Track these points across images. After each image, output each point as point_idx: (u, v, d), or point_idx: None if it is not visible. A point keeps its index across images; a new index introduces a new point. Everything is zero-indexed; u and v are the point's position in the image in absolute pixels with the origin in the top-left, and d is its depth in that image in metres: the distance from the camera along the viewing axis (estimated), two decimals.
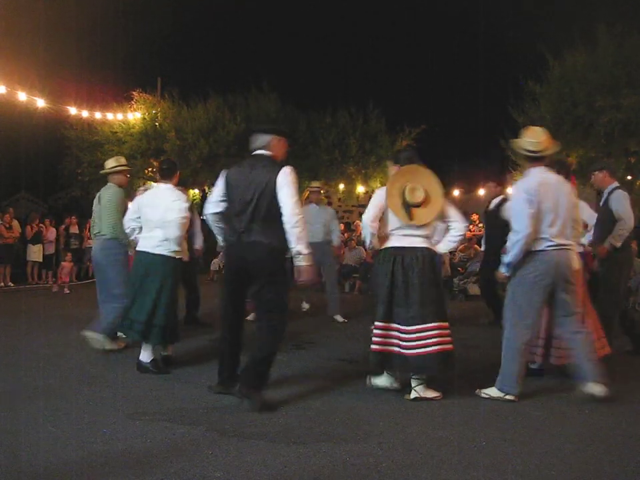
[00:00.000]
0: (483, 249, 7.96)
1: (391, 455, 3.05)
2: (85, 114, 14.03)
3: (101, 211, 5.72)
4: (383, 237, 4.30)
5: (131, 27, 16.29)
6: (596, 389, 4.00)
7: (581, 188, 8.86)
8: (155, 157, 15.17)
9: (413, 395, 4.04)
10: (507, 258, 4.17)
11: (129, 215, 5.15)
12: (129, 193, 6.15)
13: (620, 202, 5.38)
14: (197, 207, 9.70)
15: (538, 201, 4.03)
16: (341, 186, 15.35)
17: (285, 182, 3.87)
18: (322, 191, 8.06)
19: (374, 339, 4.14)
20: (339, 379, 4.59)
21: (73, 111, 13.55)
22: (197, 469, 2.83)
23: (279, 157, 4.10)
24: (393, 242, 4.23)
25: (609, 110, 10.82)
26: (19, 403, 3.83)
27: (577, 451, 3.16)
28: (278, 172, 3.89)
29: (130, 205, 5.50)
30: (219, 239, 4.33)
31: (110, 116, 14.79)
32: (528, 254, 4.10)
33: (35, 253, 12.96)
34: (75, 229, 13.78)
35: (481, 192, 17.22)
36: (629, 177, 11.48)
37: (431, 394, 4.07)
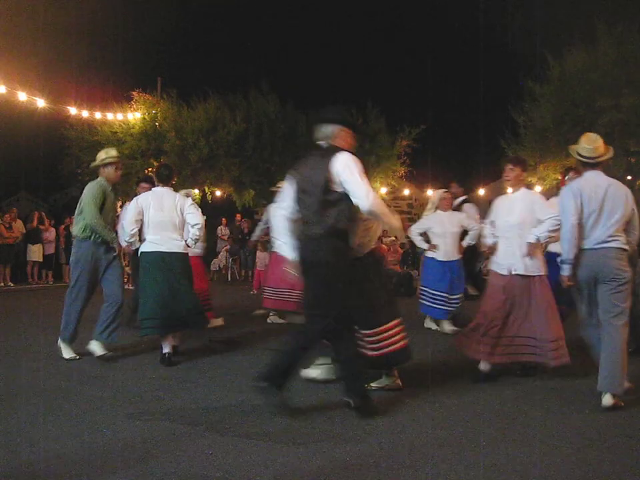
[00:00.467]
0: None
1: (391, 455, 3.05)
2: (85, 114, 14.04)
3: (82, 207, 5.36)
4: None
5: (131, 27, 16.32)
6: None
7: None
8: (155, 157, 15.17)
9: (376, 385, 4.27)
10: (561, 257, 4.32)
11: (132, 217, 5.21)
12: (116, 190, 5.75)
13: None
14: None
15: (582, 202, 4.22)
16: None
17: (344, 169, 3.64)
18: None
19: (400, 335, 4.20)
20: (338, 379, 4.59)
21: (73, 110, 13.56)
22: (197, 469, 2.83)
23: (344, 148, 3.86)
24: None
25: (608, 110, 10.83)
26: (19, 403, 3.83)
27: (577, 450, 3.15)
28: (334, 159, 3.67)
29: (128, 205, 5.57)
30: (279, 242, 4.26)
31: (110, 116, 14.80)
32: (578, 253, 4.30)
33: (35, 253, 12.96)
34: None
35: (481, 192, 17.25)
36: (629, 177, 11.48)
37: (391, 383, 4.28)
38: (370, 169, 15.41)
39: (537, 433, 3.42)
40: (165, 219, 5.19)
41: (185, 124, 14.68)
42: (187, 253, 5.35)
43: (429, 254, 6.82)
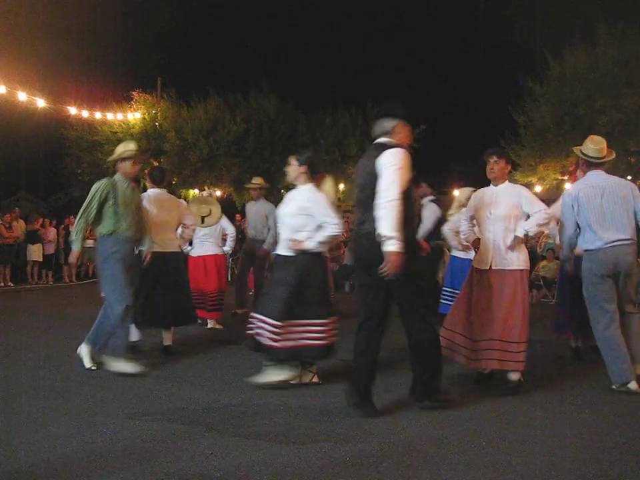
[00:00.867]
0: None
1: (391, 455, 3.05)
2: (85, 114, 14.04)
3: None
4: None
5: (131, 27, 16.32)
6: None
7: None
8: (155, 157, 15.16)
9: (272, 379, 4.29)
10: (562, 255, 4.76)
11: None
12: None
13: None
14: None
15: (580, 203, 4.46)
16: (341, 186, 15.34)
17: (385, 162, 3.59)
18: (261, 188, 7.86)
19: (321, 334, 4.32)
20: (338, 379, 4.59)
21: (73, 110, 13.56)
22: (197, 469, 2.83)
23: (403, 143, 3.82)
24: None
25: (608, 110, 10.83)
26: (19, 403, 3.83)
27: (576, 451, 3.15)
28: (382, 155, 3.62)
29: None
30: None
31: (110, 116, 14.81)
32: (584, 253, 4.53)
33: (35, 253, 12.96)
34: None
35: None
36: (629, 177, 11.48)
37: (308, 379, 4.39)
38: None
39: (537, 432, 3.42)
40: (162, 219, 5.31)
41: (185, 124, 14.69)
42: (180, 252, 5.45)
43: (457, 254, 6.70)
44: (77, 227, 4.78)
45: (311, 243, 4.26)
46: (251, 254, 7.83)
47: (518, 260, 4.29)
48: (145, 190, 5.92)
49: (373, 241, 3.57)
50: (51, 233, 13.45)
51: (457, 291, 6.75)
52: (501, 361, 4.19)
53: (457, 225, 5.85)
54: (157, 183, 5.54)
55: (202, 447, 3.11)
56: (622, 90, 10.75)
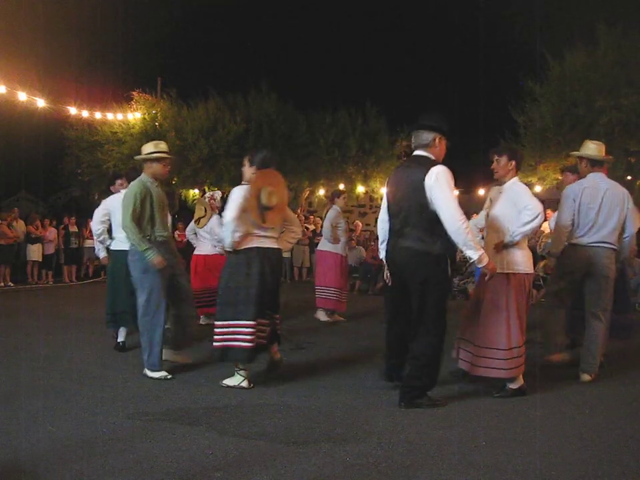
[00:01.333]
0: None
1: (391, 455, 3.05)
2: (85, 114, 14.03)
3: None
4: (241, 236, 4.32)
5: (131, 27, 16.30)
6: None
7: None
8: None
9: (229, 383, 4.29)
10: (549, 249, 4.76)
11: (98, 218, 5.64)
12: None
13: None
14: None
15: (581, 201, 4.56)
16: (341, 186, 15.33)
17: (436, 184, 3.65)
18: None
19: (246, 337, 4.19)
20: (338, 379, 4.59)
21: (73, 110, 13.55)
22: (197, 469, 2.83)
23: (439, 157, 3.89)
24: (255, 243, 4.29)
25: (609, 110, 10.81)
26: (19, 403, 3.83)
27: (577, 450, 3.16)
28: (427, 172, 3.66)
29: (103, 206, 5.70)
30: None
31: (110, 116, 14.79)
32: (568, 247, 4.65)
33: (35, 253, 12.96)
34: (74, 229, 13.79)
35: (481, 192, 17.24)
36: (629, 177, 11.48)
37: (245, 383, 4.29)
38: (370, 169, 15.43)
39: (536, 432, 3.42)
40: None
41: (185, 124, 14.67)
42: None
43: None
44: (133, 237, 4.49)
45: (227, 242, 4.32)
46: None
47: (507, 263, 4.08)
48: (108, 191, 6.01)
49: (411, 257, 3.75)
50: (51, 233, 13.45)
51: None
52: (486, 369, 4.08)
53: (480, 222, 5.84)
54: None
55: (202, 446, 3.11)
56: (622, 90, 10.73)
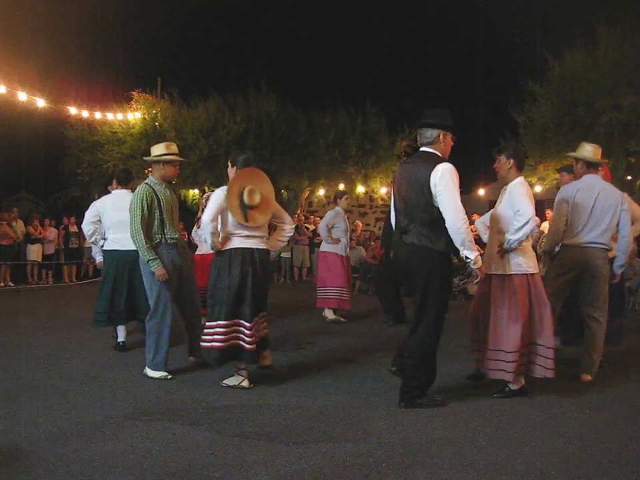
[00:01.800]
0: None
1: (391, 455, 3.05)
2: (85, 114, 14.02)
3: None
4: (224, 237, 4.32)
5: (131, 27, 16.29)
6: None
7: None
8: None
9: (229, 383, 4.28)
10: (543, 248, 4.76)
11: (89, 219, 5.72)
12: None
13: None
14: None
15: (574, 203, 4.60)
16: (341, 186, 15.34)
17: (440, 182, 3.66)
18: None
19: (217, 337, 4.18)
20: (338, 379, 4.59)
21: (73, 110, 13.54)
22: (197, 469, 2.83)
23: (445, 153, 3.89)
24: (237, 243, 4.26)
25: (609, 110, 10.81)
26: (19, 403, 3.83)
27: (577, 450, 3.15)
28: (432, 170, 3.67)
29: (93, 208, 5.72)
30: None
31: (110, 116, 14.79)
32: (562, 247, 4.69)
33: (34, 253, 12.96)
34: (74, 229, 13.80)
35: (481, 192, 17.25)
36: (629, 177, 11.47)
37: (245, 383, 4.28)
38: (370, 169, 15.43)
39: (536, 432, 3.42)
40: (124, 219, 5.21)
41: (185, 124, 14.66)
42: None
43: None
44: (139, 244, 4.47)
45: (208, 243, 4.37)
46: None
47: (510, 264, 4.06)
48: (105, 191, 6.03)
49: (414, 253, 3.77)
50: (51, 233, 13.45)
51: None
52: (493, 370, 4.09)
53: (487, 220, 5.76)
54: (121, 184, 5.74)
55: (202, 446, 3.11)
56: (622, 90, 10.73)
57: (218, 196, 4.29)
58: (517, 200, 4.03)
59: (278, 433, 3.35)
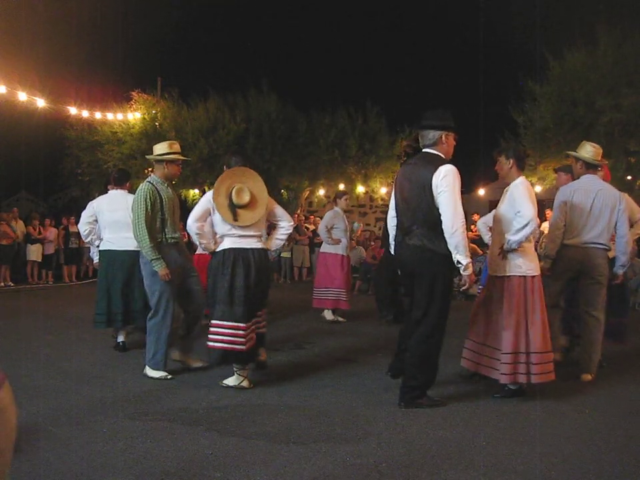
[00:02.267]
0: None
1: (391, 455, 3.05)
2: (85, 114, 14.02)
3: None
4: (219, 238, 4.32)
5: (131, 27, 16.27)
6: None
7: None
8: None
9: (229, 383, 4.27)
10: (543, 251, 4.75)
11: (85, 220, 5.71)
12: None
13: None
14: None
15: (571, 203, 4.63)
16: (341, 186, 15.34)
17: (442, 183, 3.66)
18: None
19: (214, 337, 4.20)
20: (338, 379, 4.59)
21: (73, 110, 13.54)
22: (198, 469, 2.83)
23: (447, 154, 3.88)
24: (229, 244, 4.25)
25: (609, 110, 10.81)
26: (19, 403, 3.82)
27: (576, 450, 3.16)
28: (435, 171, 3.67)
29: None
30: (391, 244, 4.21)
31: (110, 116, 14.79)
32: (562, 248, 4.69)
33: (34, 253, 12.96)
34: (74, 229, 13.79)
35: (481, 192, 17.25)
36: (629, 177, 11.47)
37: (245, 383, 4.27)
38: (370, 169, 15.42)
39: (536, 432, 3.42)
40: (119, 219, 5.44)
41: (185, 124, 14.66)
42: (137, 251, 5.55)
43: None
44: (144, 243, 4.45)
45: (199, 245, 4.44)
46: None
47: (511, 266, 4.05)
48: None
49: (417, 254, 3.78)
50: (51, 233, 13.44)
51: None
52: (487, 368, 4.12)
53: (489, 220, 5.69)
54: (117, 184, 5.73)
55: (202, 446, 3.11)
56: (622, 90, 10.73)
57: (205, 197, 4.32)
58: (518, 201, 4.01)
59: (278, 432, 3.35)
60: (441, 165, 3.72)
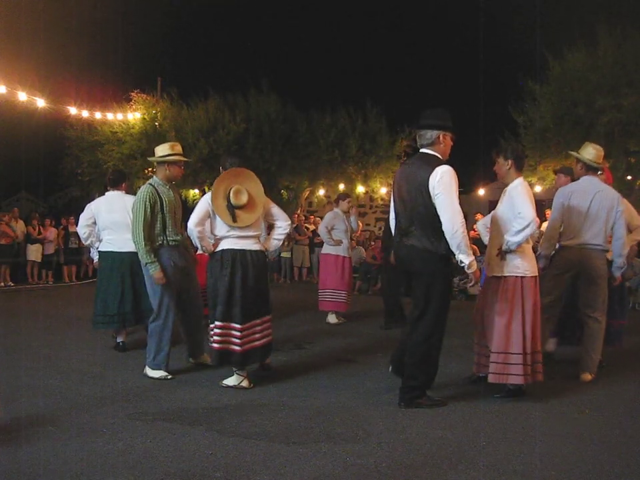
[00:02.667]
0: None
1: (391, 455, 3.05)
2: (85, 114, 14.01)
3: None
4: (217, 239, 4.32)
5: (131, 27, 16.29)
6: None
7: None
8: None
9: (229, 383, 4.28)
10: (540, 251, 4.74)
11: (83, 222, 5.69)
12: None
13: None
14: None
15: (569, 205, 4.64)
16: (341, 186, 15.34)
17: (438, 185, 3.64)
18: None
19: (215, 337, 4.23)
20: (338, 379, 4.59)
21: (73, 110, 13.53)
22: (197, 469, 2.83)
23: (445, 154, 3.88)
24: (227, 244, 4.26)
25: (609, 110, 10.80)
26: (19, 403, 3.83)
27: (576, 450, 3.15)
28: (431, 172, 3.66)
29: (89, 209, 5.70)
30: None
31: (110, 116, 14.78)
32: (560, 249, 4.72)
33: (34, 253, 12.96)
34: (74, 229, 13.79)
35: (481, 192, 17.25)
36: (629, 177, 11.47)
37: (245, 383, 4.27)
38: (370, 169, 15.42)
39: (536, 432, 3.42)
40: (118, 220, 5.46)
41: (185, 124, 14.65)
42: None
43: None
44: (140, 246, 4.44)
45: (199, 247, 4.43)
46: None
47: (509, 266, 4.03)
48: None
49: (415, 255, 3.79)
50: (51, 233, 13.44)
51: None
52: (485, 367, 4.14)
53: (488, 221, 5.68)
54: (113, 185, 5.70)
55: (202, 447, 3.11)
56: (622, 90, 10.72)
57: (204, 200, 4.32)
58: (518, 202, 3.98)
59: (278, 432, 3.35)
60: (437, 165, 3.71)
